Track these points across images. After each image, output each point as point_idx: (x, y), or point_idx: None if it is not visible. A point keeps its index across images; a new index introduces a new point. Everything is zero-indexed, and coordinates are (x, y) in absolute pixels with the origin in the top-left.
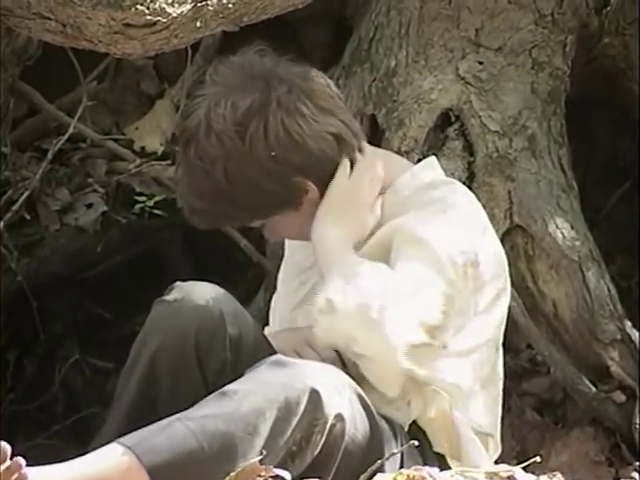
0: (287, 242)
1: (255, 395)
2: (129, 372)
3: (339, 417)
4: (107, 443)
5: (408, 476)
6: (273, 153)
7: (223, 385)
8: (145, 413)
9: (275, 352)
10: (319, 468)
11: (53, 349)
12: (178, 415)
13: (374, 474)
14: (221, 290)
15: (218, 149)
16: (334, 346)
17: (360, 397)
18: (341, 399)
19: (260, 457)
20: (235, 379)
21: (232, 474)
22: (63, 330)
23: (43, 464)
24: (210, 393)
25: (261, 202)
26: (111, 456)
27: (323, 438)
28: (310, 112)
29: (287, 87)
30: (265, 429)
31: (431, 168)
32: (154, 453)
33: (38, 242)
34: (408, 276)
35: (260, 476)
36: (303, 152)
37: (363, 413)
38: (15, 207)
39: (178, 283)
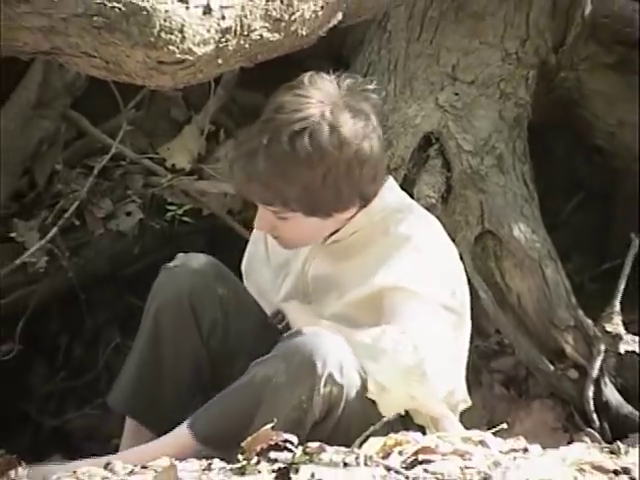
0: (265, 242)
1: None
2: (140, 330)
3: (334, 382)
4: (120, 388)
5: (396, 440)
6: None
7: (216, 338)
8: (152, 363)
9: (263, 312)
10: (320, 430)
11: (97, 335)
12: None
13: (367, 438)
14: (214, 260)
15: (334, 149)
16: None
17: (358, 371)
18: (339, 369)
19: (272, 424)
20: (225, 334)
21: (249, 439)
22: (105, 319)
23: (89, 430)
24: (206, 346)
25: (326, 202)
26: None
27: (321, 400)
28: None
29: (378, 120)
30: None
31: (393, 190)
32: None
33: (85, 244)
34: (423, 333)
35: (272, 440)
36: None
37: (359, 384)
38: (66, 215)
39: (179, 254)
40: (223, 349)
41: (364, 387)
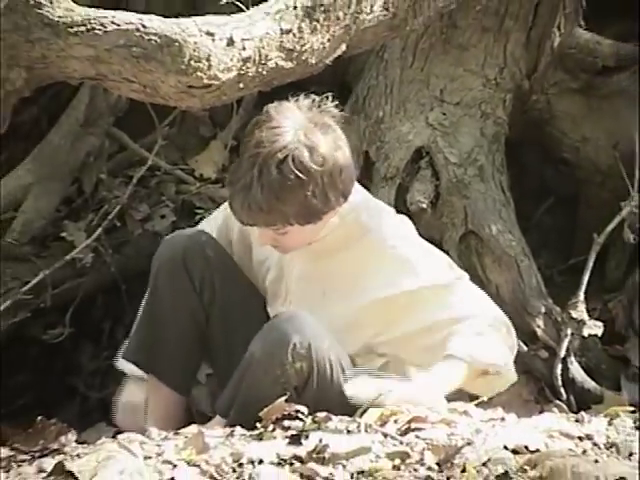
0: (243, 241)
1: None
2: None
3: (303, 357)
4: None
5: (392, 411)
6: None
7: (206, 292)
8: (154, 319)
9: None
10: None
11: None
12: None
13: (367, 409)
14: (205, 232)
15: (317, 166)
16: None
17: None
18: (307, 346)
19: (285, 397)
20: (213, 289)
21: (265, 410)
22: None
23: None
24: (199, 297)
25: (318, 210)
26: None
27: (295, 375)
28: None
29: (340, 128)
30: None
31: (357, 191)
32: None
33: (126, 243)
34: (491, 311)
35: (285, 410)
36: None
37: (331, 360)
38: (109, 217)
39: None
40: (214, 301)
41: (338, 364)
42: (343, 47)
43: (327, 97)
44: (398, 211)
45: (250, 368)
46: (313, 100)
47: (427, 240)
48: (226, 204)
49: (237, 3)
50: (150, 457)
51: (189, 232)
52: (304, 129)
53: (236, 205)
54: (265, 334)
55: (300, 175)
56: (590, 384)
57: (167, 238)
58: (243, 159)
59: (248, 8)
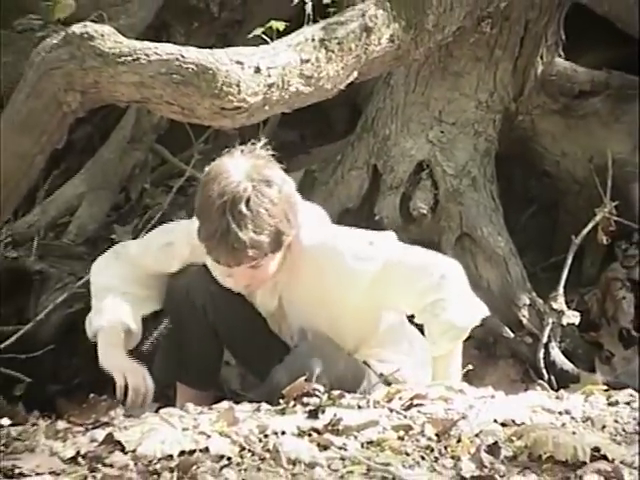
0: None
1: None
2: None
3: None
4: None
5: (397, 389)
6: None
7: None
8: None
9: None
10: None
11: None
12: None
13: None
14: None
15: (277, 195)
16: None
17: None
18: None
19: (305, 377)
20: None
21: (287, 388)
22: None
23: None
24: (205, 319)
25: (286, 232)
26: None
27: None
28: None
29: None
30: None
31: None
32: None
33: None
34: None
35: (304, 389)
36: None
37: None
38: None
39: None
40: (217, 321)
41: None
42: (355, 74)
43: (253, 143)
44: (402, 216)
45: (276, 395)
46: (241, 149)
47: (427, 241)
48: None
49: (263, 36)
50: (187, 429)
51: (193, 271)
52: (253, 170)
53: (219, 253)
54: (289, 364)
55: (267, 206)
56: (568, 366)
57: (172, 281)
58: (211, 213)
59: (272, 40)
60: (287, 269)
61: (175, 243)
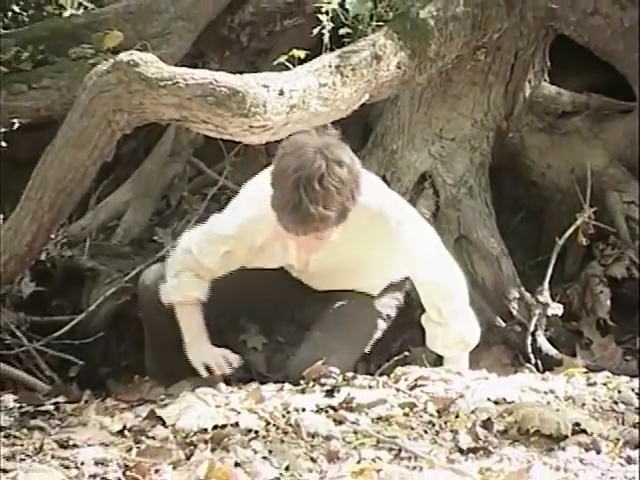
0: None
1: None
2: None
3: None
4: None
5: (403, 371)
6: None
7: None
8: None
9: None
10: None
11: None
12: None
13: (384, 371)
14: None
15: (347, 176)
16: None
17: None
18: None
19: (322, 361)
20: None
21: (307, 370)
22: None
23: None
24: None
25: (350, 208)
26: None
27: None
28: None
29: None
30: None
31: None
32: None
33: None
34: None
35: (322, 371)
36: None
37: None
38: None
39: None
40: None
41: None
42: (366, 96)
43: (325, 125)
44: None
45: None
46: (316, 129)
47: None
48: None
49: (286, 63)
50: (220, 406)
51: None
52: (326, 150)
53: (289, 222)
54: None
55: (337, 185)
56: (553, 351)
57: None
58: (285, 185)
59: (294, 67)
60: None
61: (232, 251)
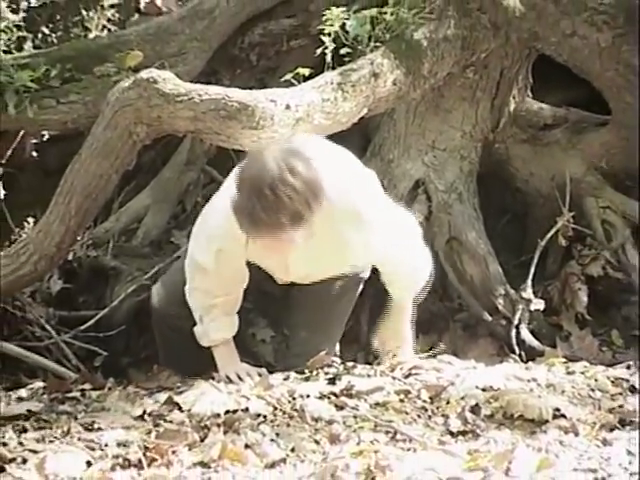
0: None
1: None
2: None
3: None
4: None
5: (398, 361)
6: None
7: None
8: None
9: None
10: None
11: None
12: None
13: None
14: None
15: (299, 184)
16: None
17: None
18: None
19: (325, 352)
20: None
21: (311, 360)
22: None
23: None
24: None
25: (305, 215)
26: None
27: None
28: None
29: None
30: None
31: None
32: None
33: None
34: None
35: (325, 362)
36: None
37: None
38: None
39: None
40: None
41: None
42: (365, 110)
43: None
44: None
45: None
46: (284, 141)
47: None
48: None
49: (292, 80)
50: (231, 393)
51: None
52: (282, 158)
53: (243, 226)
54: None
55: (289, 193)
56: (535, 343)
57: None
58: (242, 191)
59: (300, 83)
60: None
61: (223, 249)
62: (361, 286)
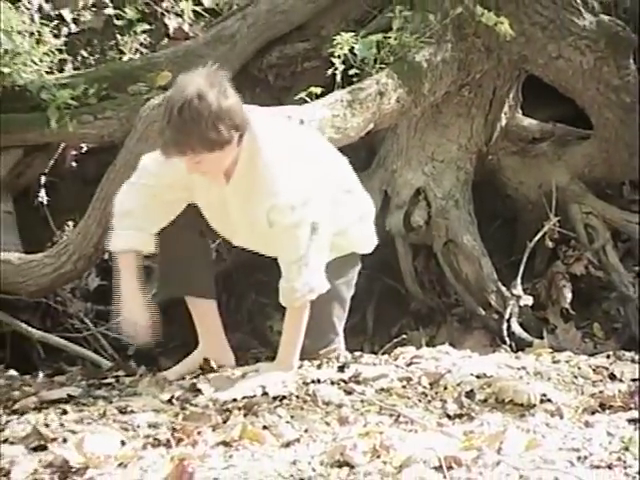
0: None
1: None
2: None
3: None
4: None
5: (401, 351)
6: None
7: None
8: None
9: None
10: None
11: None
12: None
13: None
14: None
15: (205, 109)
16: None
17: None
18: None
19: (334, 347)
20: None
21: (323, 351)
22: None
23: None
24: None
25: (215, 139)
26: None
27: None
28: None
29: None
30: None
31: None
32: None
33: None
34: None
35: (335, 352)
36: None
37: None
38: None
39: None
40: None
41: None
42: (371, 125)
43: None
44: (405, 227)
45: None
46: (207, 70)
47: (423, 245)
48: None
49: (305, 98)
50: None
51: None
52: (198, 85)
53: (160, 145)
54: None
55: (193, 116)
56: (524, 335)
57: None
58: (162, 114)
59: (312, 101)
60: (237, 166)
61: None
62: (356, 271)
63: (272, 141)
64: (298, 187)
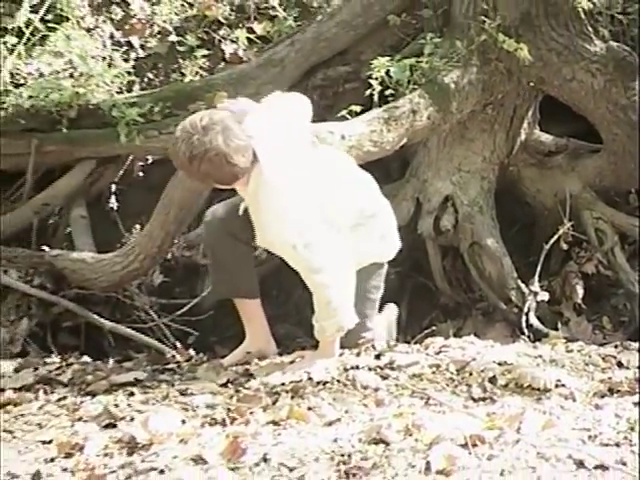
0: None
1: None
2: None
3: None
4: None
5: (432, 340)
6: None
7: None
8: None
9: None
10: None
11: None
12: None
13: (417, 340)
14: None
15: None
16: None
17: None
18: None
19: (372, 336)
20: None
21: (359, 341)
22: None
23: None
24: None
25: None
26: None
27: None
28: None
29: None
30: None
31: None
32: None
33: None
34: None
35: (371, 342)
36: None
37: None
38: None
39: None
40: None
41: None
42: (405, 140)
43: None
44: (435, 231)
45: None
46: (224, 107)
47: (450, 247)
48: None
49: (346, 115)
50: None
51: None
52: (199, 124)
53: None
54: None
55: (201, 169)
56: (541, 327)
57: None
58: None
59: (352, 117)
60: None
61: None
62: (383, 273)
63: (278, 176)
64: (299, 229)
